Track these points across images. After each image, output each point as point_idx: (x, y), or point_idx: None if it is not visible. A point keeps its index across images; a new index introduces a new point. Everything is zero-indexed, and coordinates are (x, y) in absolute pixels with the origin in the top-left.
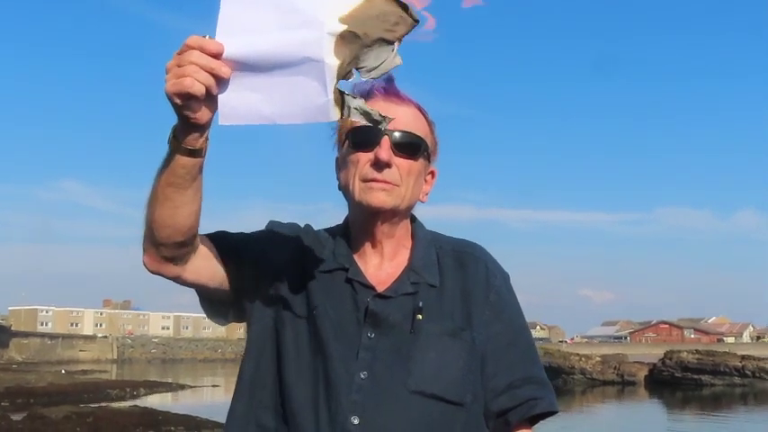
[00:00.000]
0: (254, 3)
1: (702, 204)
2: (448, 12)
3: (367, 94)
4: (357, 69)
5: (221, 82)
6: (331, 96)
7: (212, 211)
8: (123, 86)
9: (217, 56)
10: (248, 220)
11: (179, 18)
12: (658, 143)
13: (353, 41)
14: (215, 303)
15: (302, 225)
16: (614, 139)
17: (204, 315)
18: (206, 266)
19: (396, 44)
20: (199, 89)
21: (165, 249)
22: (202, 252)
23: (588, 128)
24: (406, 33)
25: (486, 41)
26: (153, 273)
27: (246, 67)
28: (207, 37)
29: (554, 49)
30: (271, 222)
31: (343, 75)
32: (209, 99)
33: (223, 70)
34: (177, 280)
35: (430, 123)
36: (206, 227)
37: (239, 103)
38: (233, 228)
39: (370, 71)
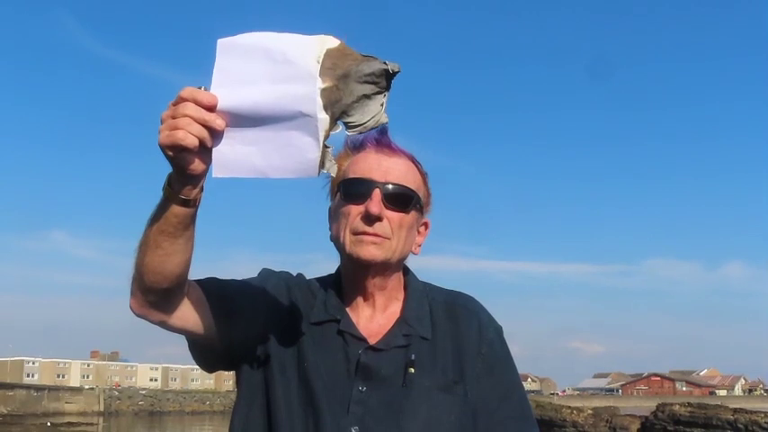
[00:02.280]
0: (248, 54)
1: (690, 256)
2: (430, 68)
3: (359, 146)
4: (344, 123)
5: (215, 134)
6: (320, 153)
7: (197, 260)
8: (113, 137)
9: (211, 108)
10: (234, 269)
11: (168, 69)
12: (646, 194)
13: (342, 96)
14: (204, 350)
15: (294, 274)
16: (601, 190)
17: (192, 366)
18: (193, 314)
19: (384, 98)
20: (191, 142)
21: (152, 295)
22: (191, 299)
23: (574, 179)
24: (389, 84)
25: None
26: (138, 316)
27: (241, 119)
28: (202, 88)
29: (534, 95)
30: (263, 270)
31: (331, 129)
32: (204, 151)
33: (217, 123)
34: (162, 325)
35: (423, 175)
36: (192, 274)
37: (233, 156)
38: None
39: (356, 127)
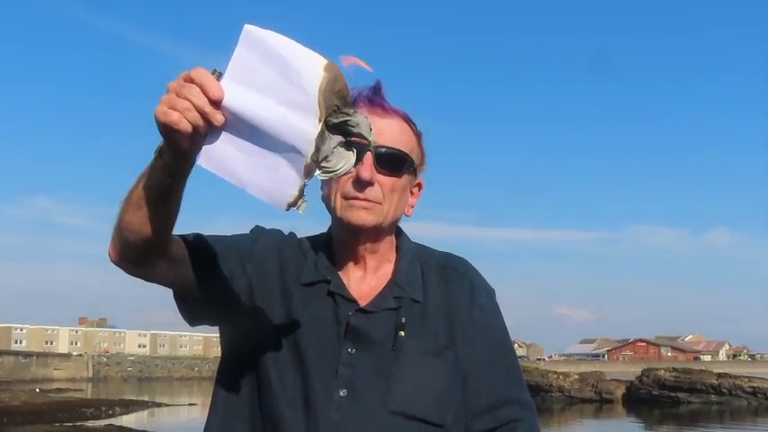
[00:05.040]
0: (267, 57)
1: (676, 223)
2: (417, 23)
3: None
4: (319, 166)
5: (212, 127)
6: (299, 192)
7: (183, 224)
8: (98, 101)
9: (216, 102)
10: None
11: (156, 38)
12: (632, 161)
13: (325, 141)
14: (188, 302)
15: (286, 233)
16: (587, 158)
17: (181, 333)
18: (173, 270)
19: (354, 152)
20: (185, 127)
21: (129, 250)
22: (172, 255)
23: (561, 146)
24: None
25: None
26: (114, 264)
27: (240, 123)
28: (215, 73)
29: (528, 64)
30: (255, 228)
31: (313, 172)
32: (196, 135)
33: (216, 118)
34: (140, 277)
35: (417, 135)
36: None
37: (222, 153)
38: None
39: (329, 172)
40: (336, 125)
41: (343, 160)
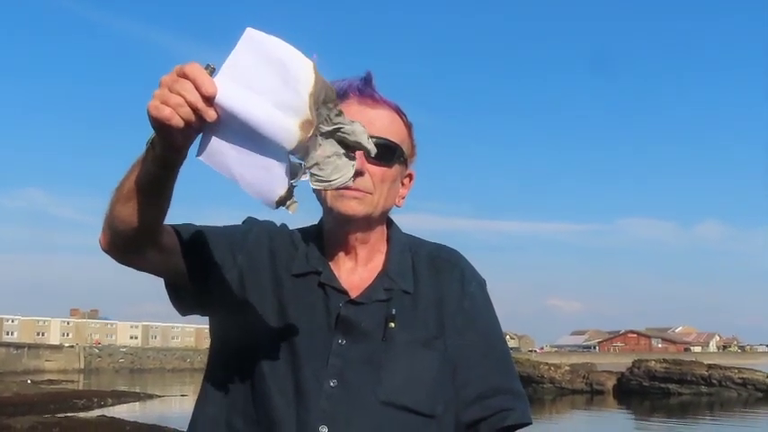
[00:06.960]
0: (266, 60)
1: (667, 216)
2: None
3: (342, 96)
4: (311, 173)
5: (204, 123)
6: (286, 193)
7: (177, 215)
8: (87, 95)
9: (208, 98)
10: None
11: (147, 30)
12: (623, 154)
13: (318, 148)
14: (180, 291)
15: (278, 224)
16: (579, 150)
17: (173, 324)
18: (164, 260)
19: (354, 161)
20: (176, 123)
21: (119, 239)
22: (163, 245)
23: (553, 138)
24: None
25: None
26: (105, 252)
27: (232, 121)
28: (209, 68)
29: (518, 55)
30: (248, 219)
31: (301, 176)
32: (189, 130)
33: (209, 114)
34: (130, 266)
35: (408, 126)
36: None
37: (217, 150)
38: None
39: (322, 181)
40: (330, 132)
41: (339, 173)
